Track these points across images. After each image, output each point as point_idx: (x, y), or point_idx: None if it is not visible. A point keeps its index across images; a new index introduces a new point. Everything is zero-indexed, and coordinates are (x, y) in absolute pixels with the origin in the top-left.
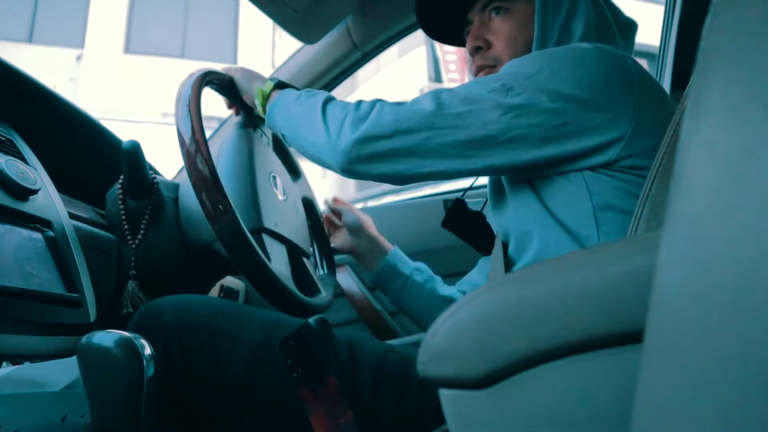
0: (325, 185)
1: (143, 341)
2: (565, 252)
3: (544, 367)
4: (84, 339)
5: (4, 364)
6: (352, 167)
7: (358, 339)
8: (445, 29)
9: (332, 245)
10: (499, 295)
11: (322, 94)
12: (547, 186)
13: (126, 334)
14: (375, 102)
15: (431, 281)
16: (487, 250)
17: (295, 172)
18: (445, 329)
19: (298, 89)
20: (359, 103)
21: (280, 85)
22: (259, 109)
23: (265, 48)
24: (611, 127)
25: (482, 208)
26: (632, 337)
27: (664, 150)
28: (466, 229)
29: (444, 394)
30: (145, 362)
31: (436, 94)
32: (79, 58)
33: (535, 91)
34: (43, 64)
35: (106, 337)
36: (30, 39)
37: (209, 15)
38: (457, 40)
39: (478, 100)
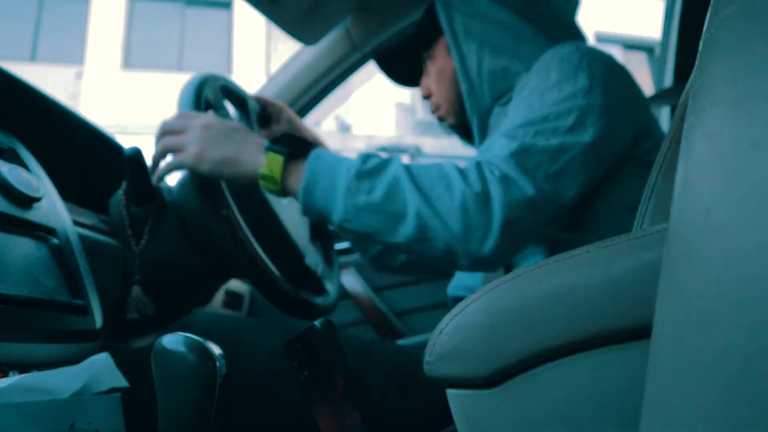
0: None
1: (212, 344)
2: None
3: (551, 364)
4: (156, 344)
5: (11, 372)
6: (498, 257)
7: (368, 341)
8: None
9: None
10: (504, 293)
11: (394, 165)
12: None
13: (195, 337)
14: (479, 175)
15: None
16: None
17: None
18: (451, 329)
19: (307, 144)
20: (464, 173)
21: (294, 149)
22: (274, 192)
23: (260, 58)
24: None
25: None
26: (640, 332)
27: (668, 144)
28: None
29: (451, 393)
30: (218, 363)
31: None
32: (78, 75)
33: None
34: (45, 82)
35: (178, 341)
36: (33, 58)
37: (204, 28)
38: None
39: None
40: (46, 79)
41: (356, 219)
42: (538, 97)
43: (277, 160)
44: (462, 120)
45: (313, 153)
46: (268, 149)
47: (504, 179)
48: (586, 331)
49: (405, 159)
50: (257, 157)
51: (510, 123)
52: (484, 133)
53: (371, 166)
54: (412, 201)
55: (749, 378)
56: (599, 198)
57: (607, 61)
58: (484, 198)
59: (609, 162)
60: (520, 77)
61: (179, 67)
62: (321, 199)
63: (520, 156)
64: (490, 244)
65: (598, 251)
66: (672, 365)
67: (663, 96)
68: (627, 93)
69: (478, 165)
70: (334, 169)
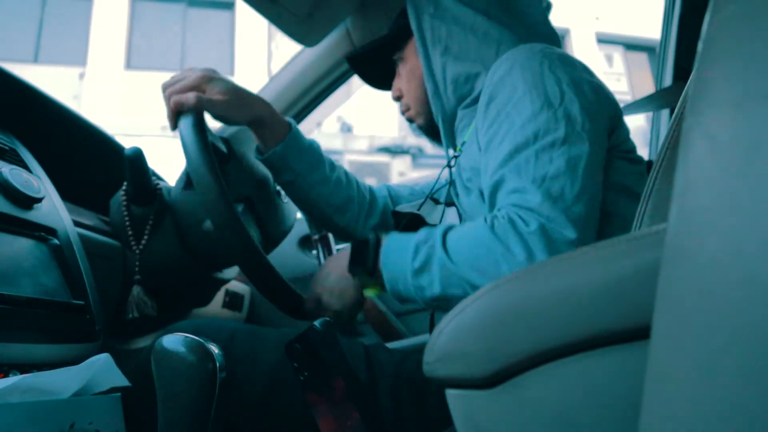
0: None
1: (212, 344)
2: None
3: (550, 365)
4: (156, 344)
5: (11, 372)
6: None
7: (374, 348)
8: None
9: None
10: (504, 293)
11: (436, 253)
12: None
13: (195, 337)
14: (517, 237)
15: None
16: None
17: None
18: (450, 329)
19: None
20: (503, 242)
21: (370, 272)
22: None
23: (261, 58)
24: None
25: (419, 209)
26: (639, 333)
27: (667, 144)
28: None
29: (451, 394)
30: (218, 364)
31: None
32: (81, 75)
33: (590, 125)
34: (47, 83)
35: (178, 342)
36: (35, 59)
37: (206, 28)
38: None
39: (546, 131)
40: (49, 80)
41: (433, 301)
42: (513, 111)
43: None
44: (430, 121)
45: (381, 261)
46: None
47: (543, 230)
48: (586, 331)
49: (407, 160)
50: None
51: (501, 150)
52: (451, 136)
53: (420, 263)
54: (465, 285)
55: (748, 378)
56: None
57: (565, 59)
58: (530, 260)
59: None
60: (479, 80)
61: (182, 68)
62: (404, 291)
63: (543, 185)
64: None
65: (597, 252)
66: (671, 366)
67: (662, 97)
68: (590, 86)
69: (512, 223)
70: (398, 268)
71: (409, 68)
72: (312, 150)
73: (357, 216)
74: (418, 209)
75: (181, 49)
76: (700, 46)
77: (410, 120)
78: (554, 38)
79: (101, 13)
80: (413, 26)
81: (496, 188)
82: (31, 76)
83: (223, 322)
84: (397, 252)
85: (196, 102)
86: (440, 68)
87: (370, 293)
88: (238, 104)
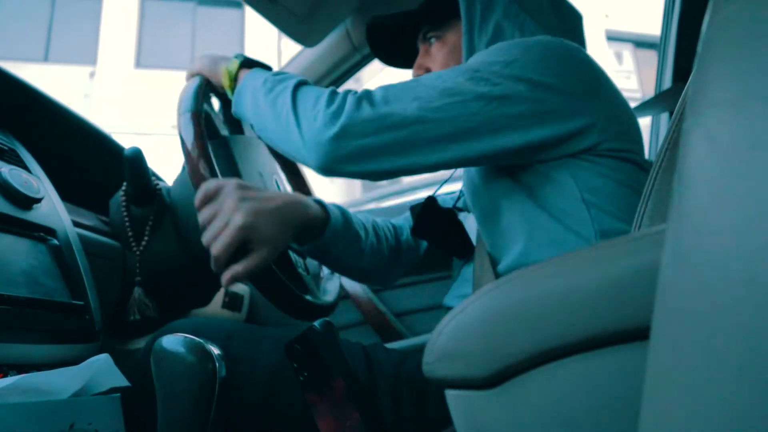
0: (332, 188)
1: (211, 345)
2: (555, 240)
3: (550, 365)
4: (155, 344)
5: (10, 373)
6: (331, 166)
7: (373, 348)
8: (401, 55)
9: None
10: (503, 294)
11: (292, 79)
12: (531, 177)
13: (195, 338)
14: (348, 93)
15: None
16: (462, 254)
17: (295, 173)
18: (450, 329)
19: (268, 68)
20: (332, 93)
21: (248, 63)
22: (228, 92)
23: (271, 57)
24: (587, 112)
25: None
26: (638, 334)
27: (667, 144)
28: (438, 234)
29: (450, 394)
30: (217, 364)
31: (412, 88)
32: (92, 74)
33: (514, 81)
34: (58, 82)
35: (177, 342)
36: (45, 58)
37: (216, 27)
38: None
39: (458, 92)
40: (59, 79)
41: (241, 103)
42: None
43: (234, 63)
44: None
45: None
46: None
47: (359, 99)
48: (585, 332)
49: None
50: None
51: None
52: None
53: (278, 78)
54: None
55: (748, 379)
56: (550, 174)
57: (552, 45)
58: (337, 112)
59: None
60: None
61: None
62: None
63: (392, 89)
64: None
65: (596, 252)
66: (670, 367)
67: (662, 100)
68: (577, 84)
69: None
70: (257, 76)
71: (449, 49)
72: (347, 228)
73: (387, 263)
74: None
75: (191, 48)
76: (699, 46)
77: None
78: (584, 47)
79: (111, 11)
80: (463, 10)
81: None
82: (42, 75)
83: (222, 321)
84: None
85: (248, 272)
86: None
87: (225, 77)
88: (281, 239)
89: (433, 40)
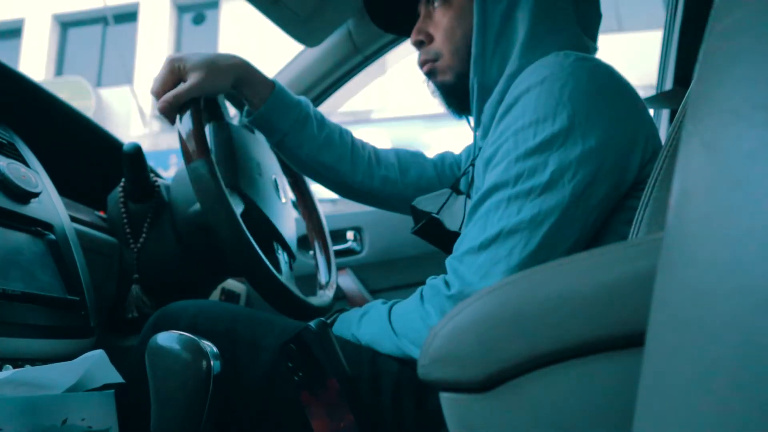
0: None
1: (207, 342)
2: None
3: (544, 370)
4: (150, 341)
5: (5, 367)
6: None
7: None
8: (400, 21)
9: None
10: (499, 298)
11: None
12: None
13: (189, 335)
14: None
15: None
16: None
17: (298, 182)
18: (446, 332)
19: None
20: (436, 287)
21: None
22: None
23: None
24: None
25: (441, 206)
26: (633, 340)
27: (666, 153)
28: (441, 245)
29: (445, 397)
30: (212, 362)
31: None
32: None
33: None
34: (116, 102)
35: (172, 339)
36: (99, 83)
37: (236, 40)
38: (404, 32)
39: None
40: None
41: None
42: (512, 139)
43: None
44: (458, 82)
45: None
46: None
47: (462, 295)
48: (580, 337)
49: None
50: None
51: (486, 182)
52: (479, 116)
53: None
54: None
55: (743, 388)
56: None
57: (595, 80)
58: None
59: (606, 204)
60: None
61: None
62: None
63: (492, 245)
64: None
65: (593, 258)
66: (665, 374)
67: (662, 99)
68: (623, 113)
69: (435, 288)
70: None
71: (456, 13)
72: (299, 107)
73: (352, 175)
74: (441, 207)
75: None
76: (700, 54)
77: (432, 73)
78: (594, 52)
79: (145, 33)
80: None
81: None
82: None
83: (228, 304)
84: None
85: (179, 97)
86: (494, 33)
87: None
88: (216, 73)
89: (436, 3)
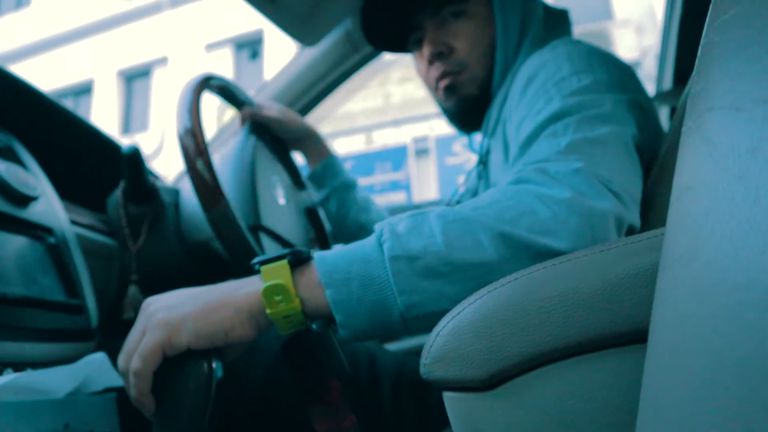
0: None
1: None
2: None
3: (548, 367)
4: None
5: (6, 371)
6: None
7: (377, 348)
8: (386, 36)
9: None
10: (501, 296)
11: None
12: None
13: None
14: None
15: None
16: None
17: (299, 183)
18: (448, 331)
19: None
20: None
21: (296, 261)
22: (284, 305)
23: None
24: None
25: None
26: (636, 336)
27: (666, 148)
28: None
29: (448, 396)
30: (214, 365)
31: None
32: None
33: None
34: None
35: None
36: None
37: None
38: (394, 47)
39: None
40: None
41: (426, 292)
42: (554, 88)
43: (281, 265)
44: (481, 95)
45: (318, 254)
46: (260, 264)
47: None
48: (583, 334)
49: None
50: (245, 286)
51: (538, 118)
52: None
53: (405, 226)
54: (487, 227)
55: (744, 382)
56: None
57: (608, 56)
58: (578, 197)
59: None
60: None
61: None
62: (361, 299)
63: (576, 150)
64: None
65: (594, 255)
66: (668, 369)
67: (662, 98)
68: (636, 84)
69: (543, 171)
70: (357, 253)
71: (480, 22)
72: (346, 174)
73: None
74: None
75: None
76: (699, 50)
77: (454, 87)
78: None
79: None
80: None
81: (520, 153)
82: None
83: None
84: (353, 247)
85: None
86: (514, 41)
87: (271, 289)
88: (292, 120)
89: (456, 15)
